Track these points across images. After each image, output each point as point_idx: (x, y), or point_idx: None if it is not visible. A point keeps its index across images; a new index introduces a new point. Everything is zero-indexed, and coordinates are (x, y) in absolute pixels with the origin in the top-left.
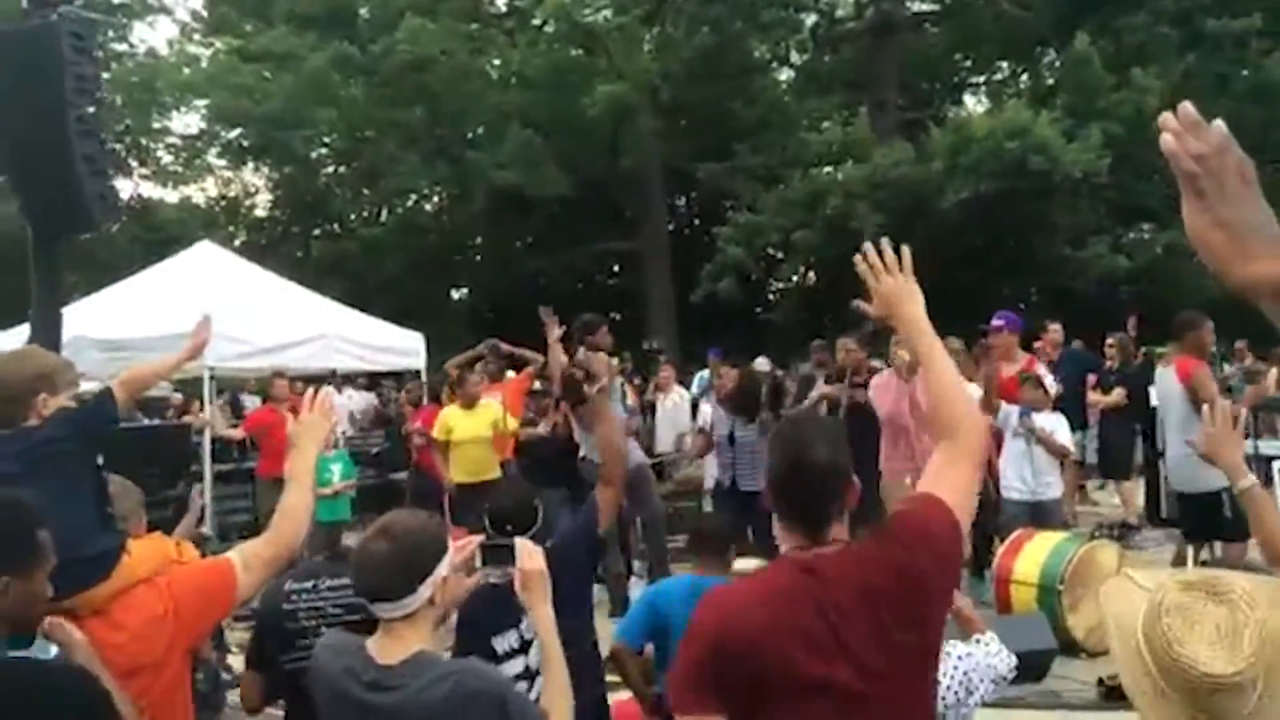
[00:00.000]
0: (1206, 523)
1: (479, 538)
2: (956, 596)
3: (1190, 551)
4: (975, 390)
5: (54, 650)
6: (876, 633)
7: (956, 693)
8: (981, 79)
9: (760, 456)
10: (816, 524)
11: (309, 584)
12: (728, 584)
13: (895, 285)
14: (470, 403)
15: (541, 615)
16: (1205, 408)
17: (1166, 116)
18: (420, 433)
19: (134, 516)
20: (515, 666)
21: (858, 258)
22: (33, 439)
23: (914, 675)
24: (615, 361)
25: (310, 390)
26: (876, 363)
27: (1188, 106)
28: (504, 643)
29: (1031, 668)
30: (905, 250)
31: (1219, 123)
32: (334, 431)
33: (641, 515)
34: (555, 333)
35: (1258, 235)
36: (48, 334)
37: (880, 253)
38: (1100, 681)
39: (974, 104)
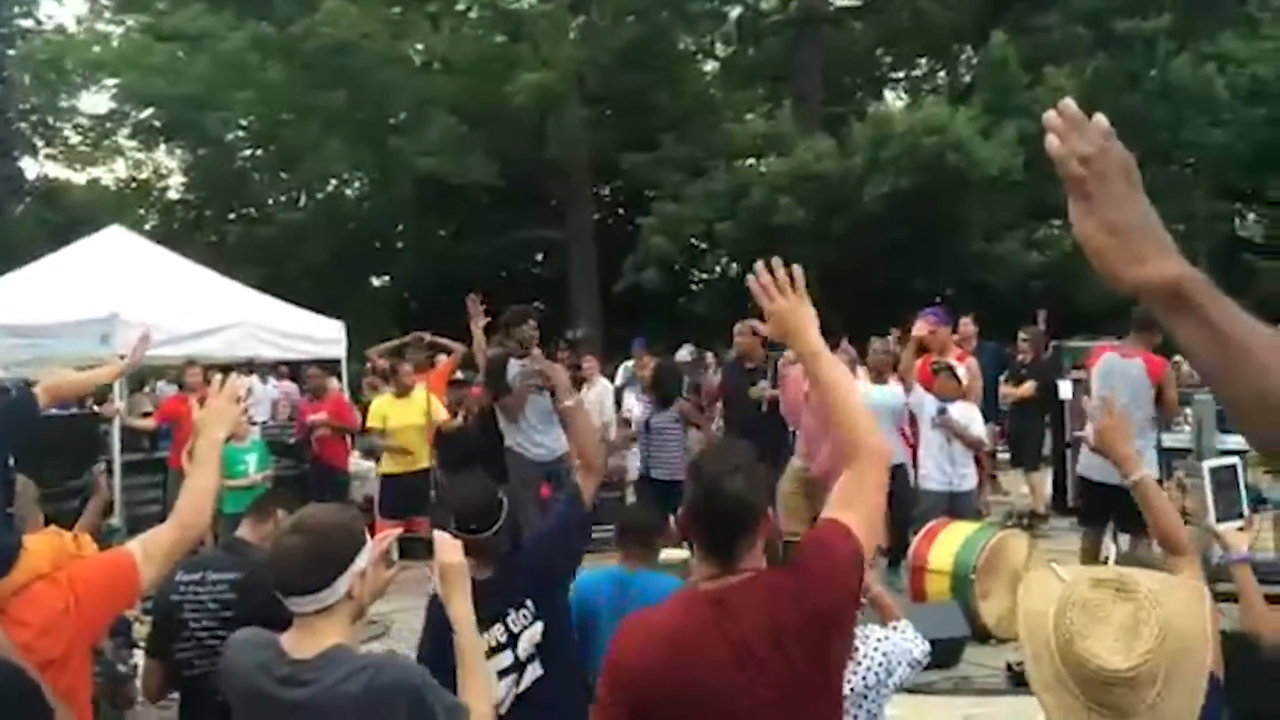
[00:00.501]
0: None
1: (397, 530)
2: (873, 583)
3: (1113, 548)
4: (895, 387)
5: None
6: (782, 664)
7: (876, 674)
8: (901, 75)
9: (676, 444)
10: (727, 554)
11: (197, 575)
12: (638, 616)
13: (788, 305)
14: (404, 391)
15: (460, 612)
16: (1093, 402)
17: (1050, 115)
18: (323, 423)
19: (30, 514)
20: (503, 660)
21: (749, 278)
22: None
23: (817, 705)
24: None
25: (219, 376)
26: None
27: (1069, 103)
28: (489, 638)
29: (944, 654)
30: (797, 269)
31: (1100, 118)
32: (244, 418)
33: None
34: (480, 321)
35: (1146, 237)
36: None
37: (771, 271)
38: (1009, 667)
39: (894, 99)
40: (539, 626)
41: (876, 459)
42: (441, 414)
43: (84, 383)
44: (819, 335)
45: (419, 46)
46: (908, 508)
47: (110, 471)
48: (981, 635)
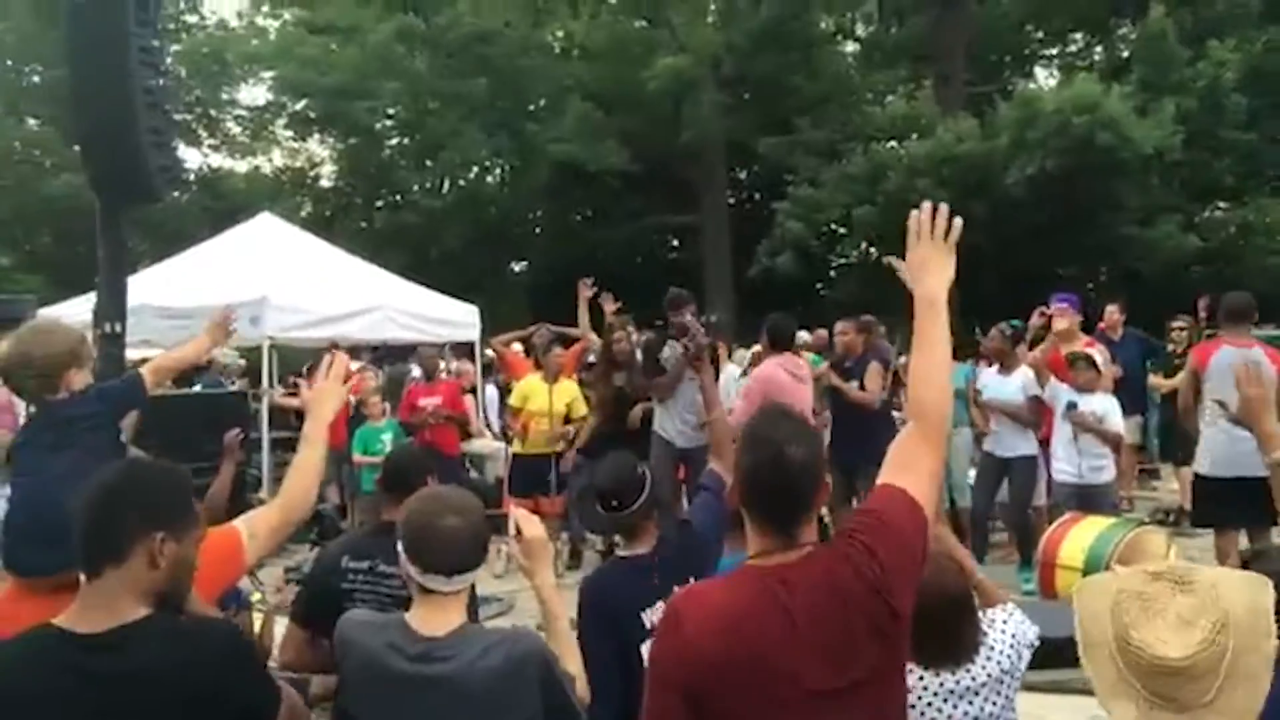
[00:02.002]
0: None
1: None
2: (974, 570)
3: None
4: (1026, 373)
5: None
6: (848, 642)
7: (1010, 657)
8: (1053, 51)
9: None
10: (790, 525)
11: (365, 565)
12: (694, 594)
13: (929, 253)
14: (553, 376)
15: (543, 580)
16: (1242, 369)
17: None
18: (433, 414)
19: None
20: None
21: (911, 214)
22: (70, 411)
23: (885, 682)
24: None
25: (326, 357)
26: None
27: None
28: (652, 616)
29: (1075, 653)
30: (958, 222)
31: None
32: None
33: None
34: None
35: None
36: (113, 302)
37: (935, 215)
38: None
39: (1044, 77)
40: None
41: (940, 425)
42: (582, 409)
43: (181, 359)
44: (944, 290)
45: (558, 33)
46: (1026, 502)
47: (250, 443)
48: None
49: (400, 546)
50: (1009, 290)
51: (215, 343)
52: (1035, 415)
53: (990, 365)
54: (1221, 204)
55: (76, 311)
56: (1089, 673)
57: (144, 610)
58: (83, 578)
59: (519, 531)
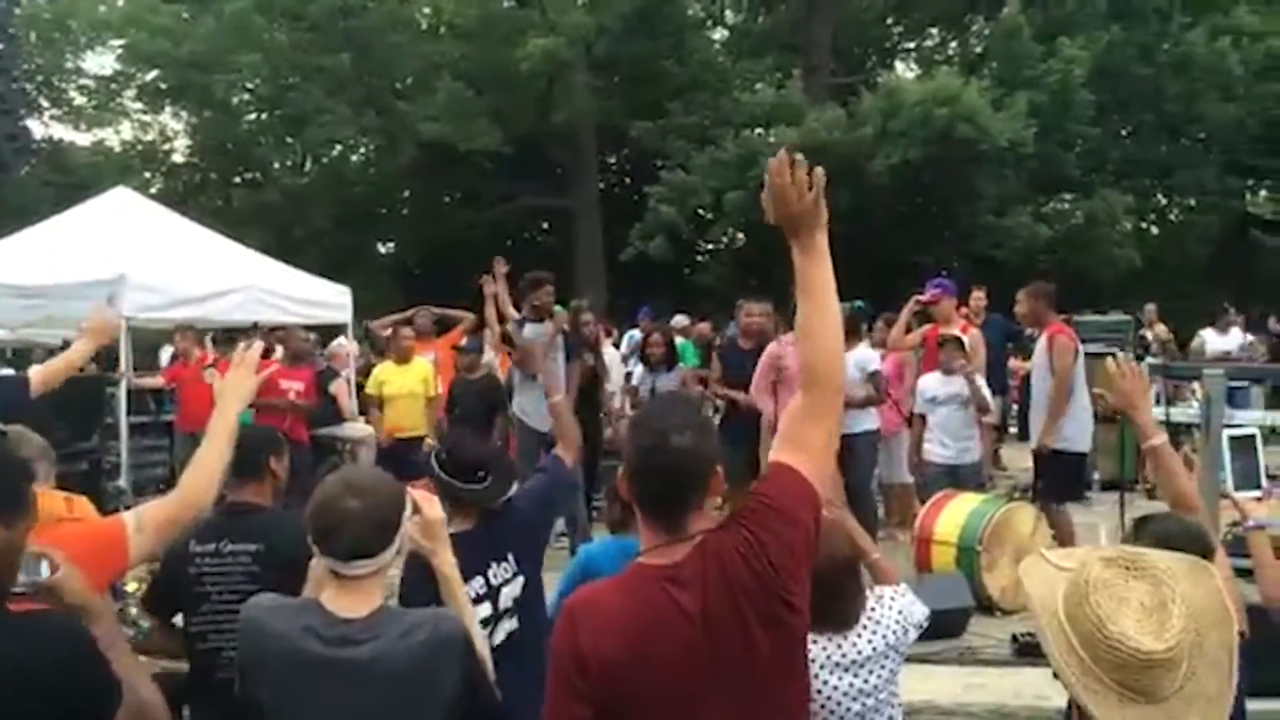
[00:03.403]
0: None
1: (423, 493)
2: (872, 550)
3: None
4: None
5: None
6: (746, 637)
7: (895, 632)
8: (913, 45)
9: None
10: (677, 515)
11: (211, 547)
12: (586, 600)
13: (807, 206)
14: (404, 358)
15: (443, 559)
16: (1113, 361)
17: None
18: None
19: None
20: (481, 612)
21: (771, 163)
22: None
23: (786, 673)
24: (560, 310)
25: (241, 345)
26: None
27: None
28: (470, 589)
29: (950, 625)
30: (819, 171)
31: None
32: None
33: None
34: (498, 284)
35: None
36: None
37: (793, 167)
38: (1014, 638)
39: (904, 70)
40: (520, 581)
41: (833, 392)
42: (439, 386)
43: (68, 366)
44: (824, 236)
45: (426, 10)
46: (867, 477)
47: (108, 429)
48: (987, 607)
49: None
50: (870, 278)
51: (98, 344)
52: (878, 391)
53: None
54: (1068, 195)
55: None
56: (1054, 661)
57: None
58: None
59: (417, 511)
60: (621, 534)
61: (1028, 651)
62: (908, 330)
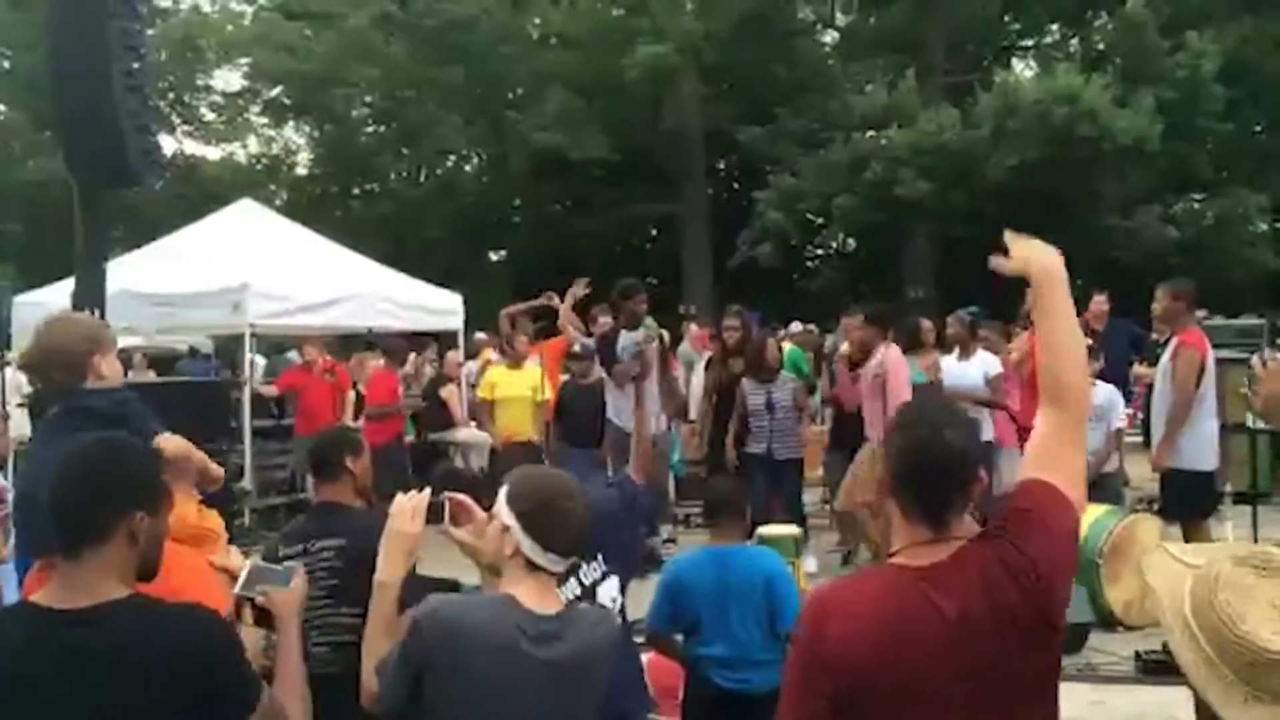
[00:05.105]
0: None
1: None
2: None
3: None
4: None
5: None
6: (1002, 652)
7: None
8: (1031, 43)
9: (794, 424)
10: (942, 516)
11: (299, 548)
12: (832, 594)
13: (1029, 248)
14: (517, 362)
15: (390, 573)
16: (1259, 361)
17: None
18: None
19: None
20: None
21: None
22: (92, 403)
23: (1041, 699)
24: (650, 321)
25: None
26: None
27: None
28: (564, 592)
29: (1069, 640)
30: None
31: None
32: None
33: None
34: (572, 298)
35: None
36: (92, 288)
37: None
38: (1138, 656)
39: (1022, 68)
40: (614, 581)
41: (1081, 411)
42: (547, 393)
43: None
44: (1058, 264)
45: (536, 21)
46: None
47: (232, 431)
48: (1108, 622)
49: (513, 522)
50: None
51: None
52: (998, 395)
53: (950, 353)
54: (1197, 195)
55: (52, 299)
56: (1180, 659)
57: (124, 590)
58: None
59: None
60: (716, 540)
61: (1154, 670)
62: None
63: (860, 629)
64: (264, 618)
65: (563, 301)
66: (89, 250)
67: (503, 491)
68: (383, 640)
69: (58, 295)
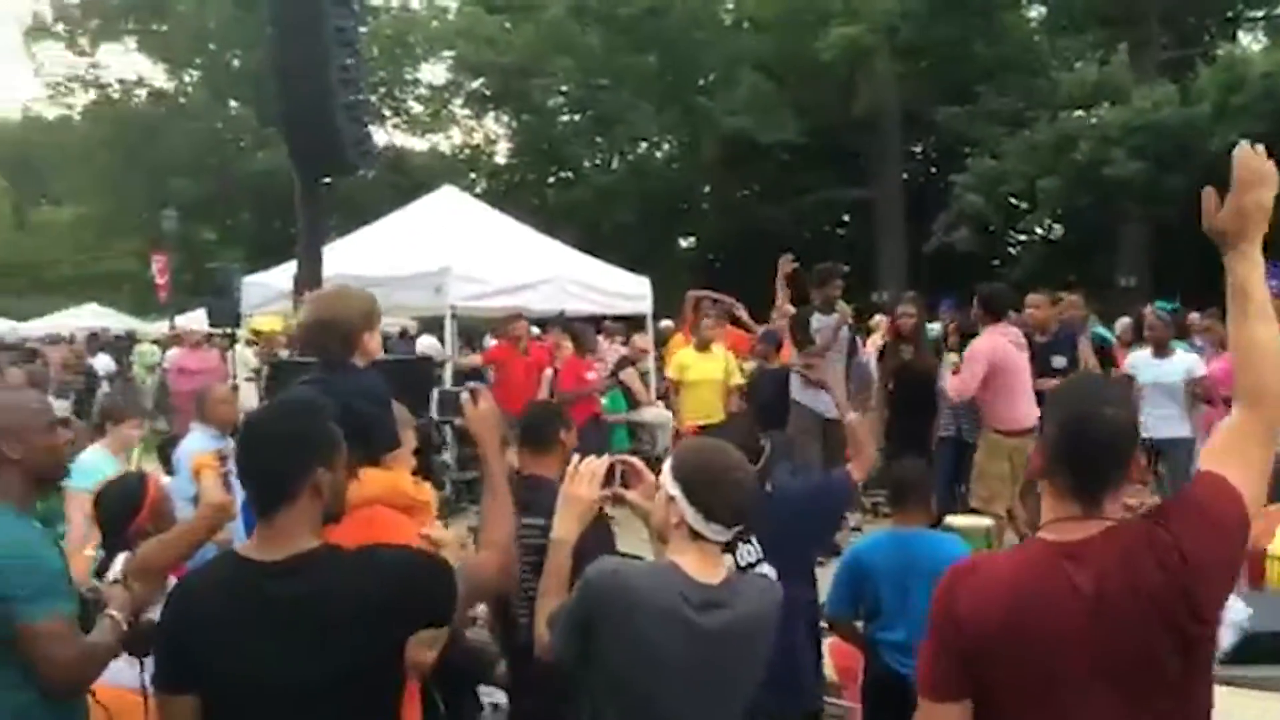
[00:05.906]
0: None
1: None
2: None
3: None
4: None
5: None
6: (1142, 631)
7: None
8: (1260, 14)
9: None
10: (1097, 491)
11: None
12: (973, 563)
13: (1265, 199)
14: (704, 345)
15: (564, 531)
16: None
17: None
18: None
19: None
20: None
21: (1236, 150)
22: (349, 385)
23: (1181, 695)
24: (843, 305)
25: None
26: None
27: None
28: (742, 558)
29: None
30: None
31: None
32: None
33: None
34: (787, 268)
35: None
36: (312, 271)
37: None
38: None
39: (1249, 41)
40: (766, 569)
41: (1277, 413)
42: (738, 377)
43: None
44: (1257, 245)
45: (729, 5)
46: (1176, 487)
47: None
48: None
49: (678, 492)
50: (1207, 269)
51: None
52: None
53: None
54: None
55: (276, 280)
56: None
57: (315, 540)
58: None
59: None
60: (899, 523)
61: None
62: None
63: (995, 593)
64: None
65: (767, 304)
66: (309, 234)
67: (667, 463)
68: (554, 595)
69: (282, 277)
